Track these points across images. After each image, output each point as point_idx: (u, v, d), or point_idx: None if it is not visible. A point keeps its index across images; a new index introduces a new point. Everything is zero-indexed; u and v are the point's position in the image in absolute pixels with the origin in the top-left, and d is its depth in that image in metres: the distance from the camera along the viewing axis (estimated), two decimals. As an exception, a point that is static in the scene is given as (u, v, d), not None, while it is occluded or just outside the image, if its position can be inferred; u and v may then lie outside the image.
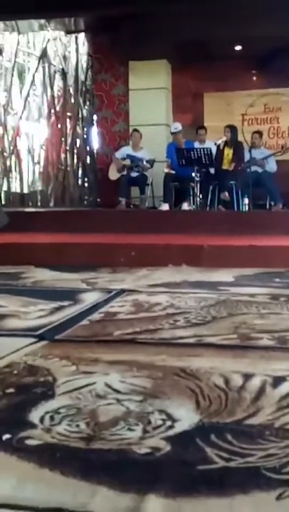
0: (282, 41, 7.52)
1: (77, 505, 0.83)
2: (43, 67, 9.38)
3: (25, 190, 9.35)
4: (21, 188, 9.28)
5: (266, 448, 1.02)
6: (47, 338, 1.84)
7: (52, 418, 1.16)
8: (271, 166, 7.49)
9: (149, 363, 1.55)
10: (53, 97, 9.51)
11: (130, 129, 8.61)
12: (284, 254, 3.92)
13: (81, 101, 9.75)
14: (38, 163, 9.61)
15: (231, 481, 0.90)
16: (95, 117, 9.71)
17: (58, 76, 9.58)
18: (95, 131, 9.75)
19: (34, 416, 1.17)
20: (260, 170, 7.36)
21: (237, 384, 1.37)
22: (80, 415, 1.17)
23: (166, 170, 7.73)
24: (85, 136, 9.93)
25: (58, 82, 9.63)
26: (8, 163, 9.02)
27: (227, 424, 1.14)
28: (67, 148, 9.60)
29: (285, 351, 1.69)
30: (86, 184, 10.05)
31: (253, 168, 7.25)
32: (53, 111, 9.50)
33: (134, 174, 7.87)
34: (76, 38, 9.44)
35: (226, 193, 7.37)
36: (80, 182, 9.94)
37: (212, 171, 7.56)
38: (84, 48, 9.65)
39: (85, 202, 9.90)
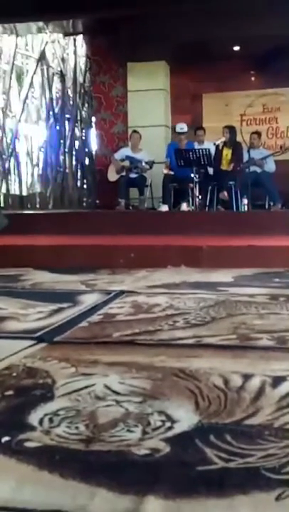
0: (280, 41, 7.53)
1: (76, 508, 0.83)
2: (42, 70, 9.40)
3: (24, 193, 9.36)
4: (20, 191, 9.28)
5: (266, 448, 1.02)
6: (46, 340, 1.83)
7: (51, 420, 1.16)
8: (270, 166, 7.49)
9: (149, 364, 1.54)
10: (51, 99, 9.52)
11: (129, 131, 8.61)
12: (283, 254, 3.92)
13: (80, 103, 9.76)
14: (37, 165, 9.61)
15: (231, 481, 0.90)
16: (93, 119, 9.71)
17: (56, 78, 9.59)
18: (93, 132, 9.75)
19: (33, 418, 1.17)
20: (259, 170, 7.36)
21: (236, 384, 1.37)
22: (79, 417, 1.17)
23: (165, 171, 7.73)
24: (83, 137, 9.93)
25: (57, 84, 9.65)
26: (7, 165, 9.03)
27: (226, 424, 1.13)
28: (66, 150, 9.61)
29: (285, 351, 1.69)
30: (85, 186, 10.06)
31: (252, 168, 7.26)
32: (51, 113, 9.51)
33: (133, 175, 7.87)
34: (74, 40, 9.45)
35: (225, 194, 7.38)
36: (78, 184, 9.95)
37: (211, 171, 7.57)
38: (82, 49, 9.67)
39: (84, 204, 9.91)
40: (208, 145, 7.54)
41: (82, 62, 9.74)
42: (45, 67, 9.39)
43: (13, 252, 4.21)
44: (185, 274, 3.53)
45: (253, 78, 9.09)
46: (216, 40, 7.73)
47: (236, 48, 8.38)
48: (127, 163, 7.88)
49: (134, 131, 8.19)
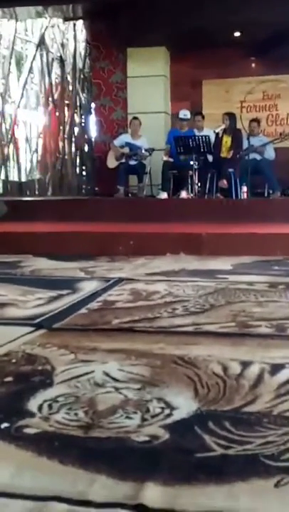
0: (281, 27, 7.46)
1: (75, 494, 0.83)
2: (41, 55, 9.31)
3: (23, 179, 9.32)
4: (19, 177, 9.25)
5: (264, 435, 1.02)
6: (45, 327, 1.84)
7: (50, 407, 1.16)
8: (270, 154, 7.44)
9: (148, 351, 1.55)
10: (50, 84, 9.45)
11: (128, 117, 8.56)
12: (282, 242, 3.92)
13: (79, 89, 9.69)
14: (36, 151, 9.57)
15: (230, 468, 0.90)
16: (93, 105, 9.65)
17: (55, 64, 9.51)
18: (93, 119, 9.70)
19: (32, 404, 1.17)
20: (258, 157, 7.32)
21: (235, 372, 1.37)
22: (79, 404, 1.17)
23: (164, 158, 7.69)
24: (83, 124, 9.88)
25: (56, 70, 9.57)
26: (5, 151, 8.98)
27: (225, 411, 1.14)
28: (65, 136, 9.55)
29: (284, 339, 1.69)
30: (84, 173, 10.02)
31: (252, 155, 7.22)
32: (50, 99, 9.45)
33: (132, 162, 7.82)
34: (74, 25, 9.36)
35: (224, 182, 7.34)
36: (78, 170, 9.90)
37: (210, 158, 7.53)
38: (82, 35, 9.58)
39: (83, 190, 9.88)
40: (208, 132, 7.50)
41: (81, 47, 9.66)
42: (44, 53, 9.31)
43: (12, 238, 4.20)
44: (184, 261, 3.53)
45: (253, 65, 9.02)
46: (217, 26, 7.64)
47: (237, 34, 8.30)
48: (126, 149, 7.83)
49: (134, 118, 8.13)
